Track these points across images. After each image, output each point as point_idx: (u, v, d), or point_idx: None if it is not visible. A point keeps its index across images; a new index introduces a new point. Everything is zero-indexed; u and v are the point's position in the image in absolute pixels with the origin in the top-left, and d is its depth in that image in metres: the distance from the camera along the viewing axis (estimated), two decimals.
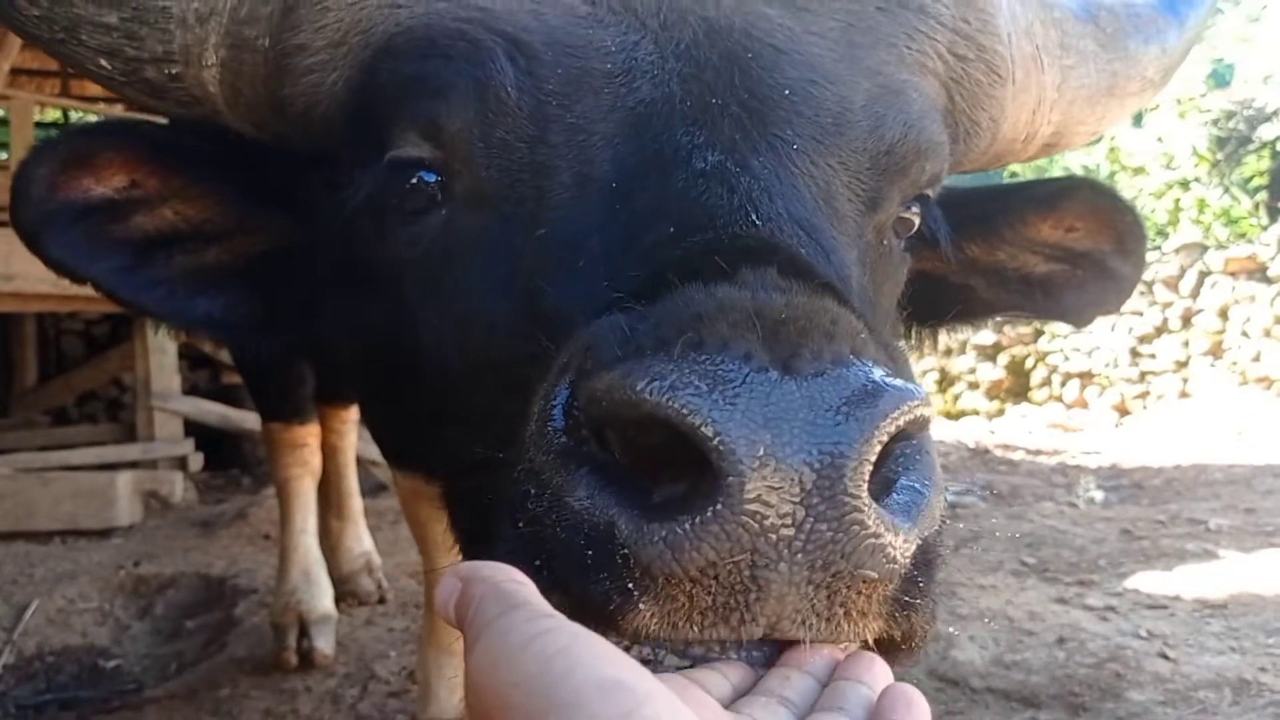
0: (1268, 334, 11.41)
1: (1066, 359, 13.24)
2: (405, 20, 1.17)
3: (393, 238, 1.22)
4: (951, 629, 3.80)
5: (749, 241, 0.94)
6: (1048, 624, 3.91)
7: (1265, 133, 13.44)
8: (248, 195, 1.43)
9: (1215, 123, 13.95)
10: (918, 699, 0.75)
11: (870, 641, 0.83)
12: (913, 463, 0.80)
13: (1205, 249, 12.23)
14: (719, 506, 0.72)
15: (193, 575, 4.94)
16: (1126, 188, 13.90)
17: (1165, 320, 12.33)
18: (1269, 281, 11.53)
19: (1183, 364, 12.16)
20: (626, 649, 0.79)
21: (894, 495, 0.79)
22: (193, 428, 7.90)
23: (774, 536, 0.73)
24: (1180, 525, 5.75)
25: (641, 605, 0.76)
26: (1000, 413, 13.44)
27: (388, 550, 4.81)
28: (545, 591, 0.78)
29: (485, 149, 1.12)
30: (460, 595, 0.74)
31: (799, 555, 0.74)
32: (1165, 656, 3.55)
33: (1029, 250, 1.80)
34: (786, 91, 1.13)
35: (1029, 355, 13.63)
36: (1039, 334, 13.46)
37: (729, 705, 0.76)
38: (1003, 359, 13.78)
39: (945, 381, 14.37)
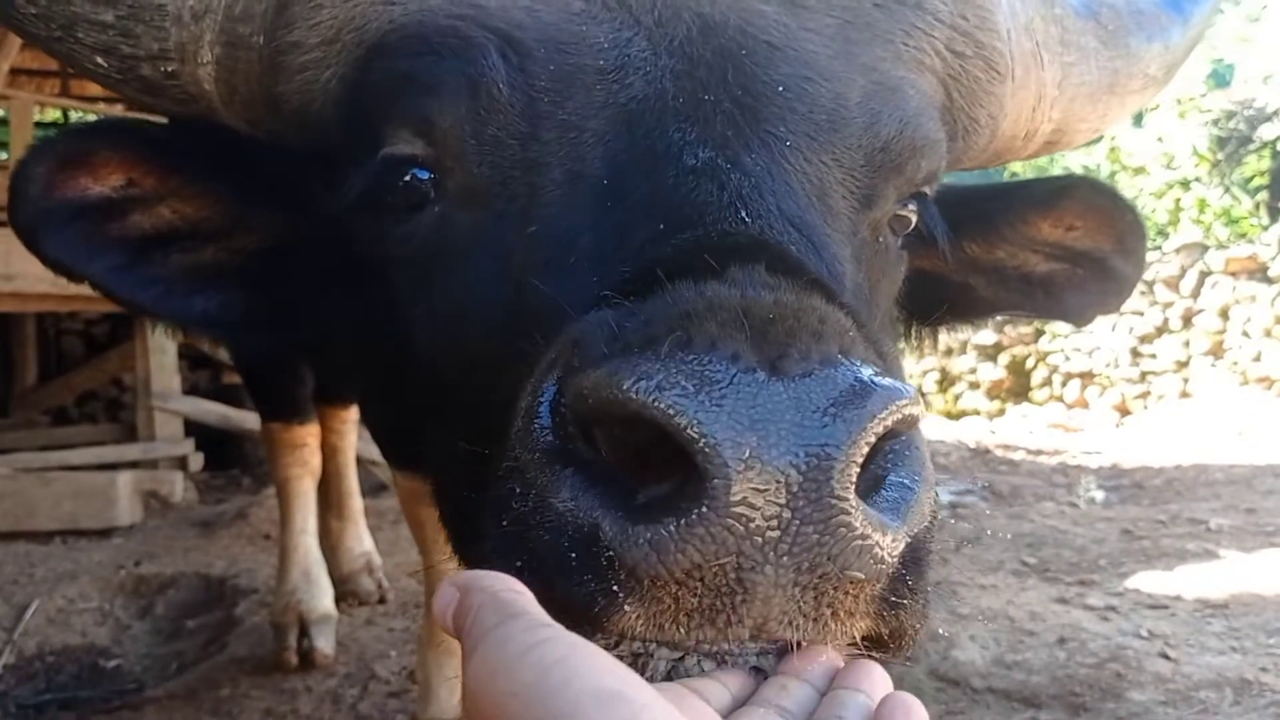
0: (1268, 334, 11.41)
1: (1067, 359, 13.24)
2: (399, 17, 1.17)
3: (386, 235, 1.22)
4: (952, 629, 3.80)
5: (738, 239, 0.94)
6: (1048, 624, 3.91)
7: (1265, 133, 13.44)
8: (244, 194, 1.43)
9: (1215, 123, 13.95)
10: (916, 708, 0.75)
11: (859, 640, 0.82)
12: (902, 459, 0.80)
13: (1206, 249, 12.24)
14: (704, 509, 0.72)
15: (193, 575, 4.94)
16: (1127, 187, 13.90)
17: (1166, 320, 12.34)
18: (1269, 281, 11.53)
19: (1183, 364, 12.17)
20: (616, 644, 0.79)
21: (883, 492, 0.78)
22: (193, 428, 7.90)
23: (759, 539, 0.73)
24: (1181, 525, 5.75)
25: (627, 607, 0.75)
26: (1001, 413, 13.45)
27: (388, 550, 4.81)
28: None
29: (477, 146, 1.12)
30: (458, 604, 0.74)
31: (785, 558, 0.73)
32: (1166, 656, 3.55)
33: (1029, 249, 1.79)
34: (780, 88, 1.13)
35: (1030, 355, 13.64)
36: (1040, 334, 13.46)
37: (728, 715, 0.75)
38: (1003, 359, 13.78)
39: (946, 381, 14.37)
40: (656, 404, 0.72)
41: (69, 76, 10.55)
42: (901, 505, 0.78)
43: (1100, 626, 3.88)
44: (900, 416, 0.75)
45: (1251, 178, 13.51)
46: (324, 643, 3.77)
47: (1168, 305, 12.34)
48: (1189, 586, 4.41)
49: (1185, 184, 14.20)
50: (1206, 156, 13.99)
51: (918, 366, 14.33)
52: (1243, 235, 12.76)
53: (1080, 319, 1.91)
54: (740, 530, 0.72)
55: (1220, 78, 14.87)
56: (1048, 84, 1.49)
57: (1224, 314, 11.86)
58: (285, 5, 1.21)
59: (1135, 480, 7.65)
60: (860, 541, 0.74)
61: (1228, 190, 13.68)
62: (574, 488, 0.78)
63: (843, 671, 0.81)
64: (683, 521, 0.72)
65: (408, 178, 1.17)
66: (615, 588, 0.75)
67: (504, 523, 0.85)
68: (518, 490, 0.83)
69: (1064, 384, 13.26)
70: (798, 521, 0.73)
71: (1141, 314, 12.47)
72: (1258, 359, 11.47)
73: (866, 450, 0.74)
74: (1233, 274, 11.83)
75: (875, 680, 0.79)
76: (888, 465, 0.79)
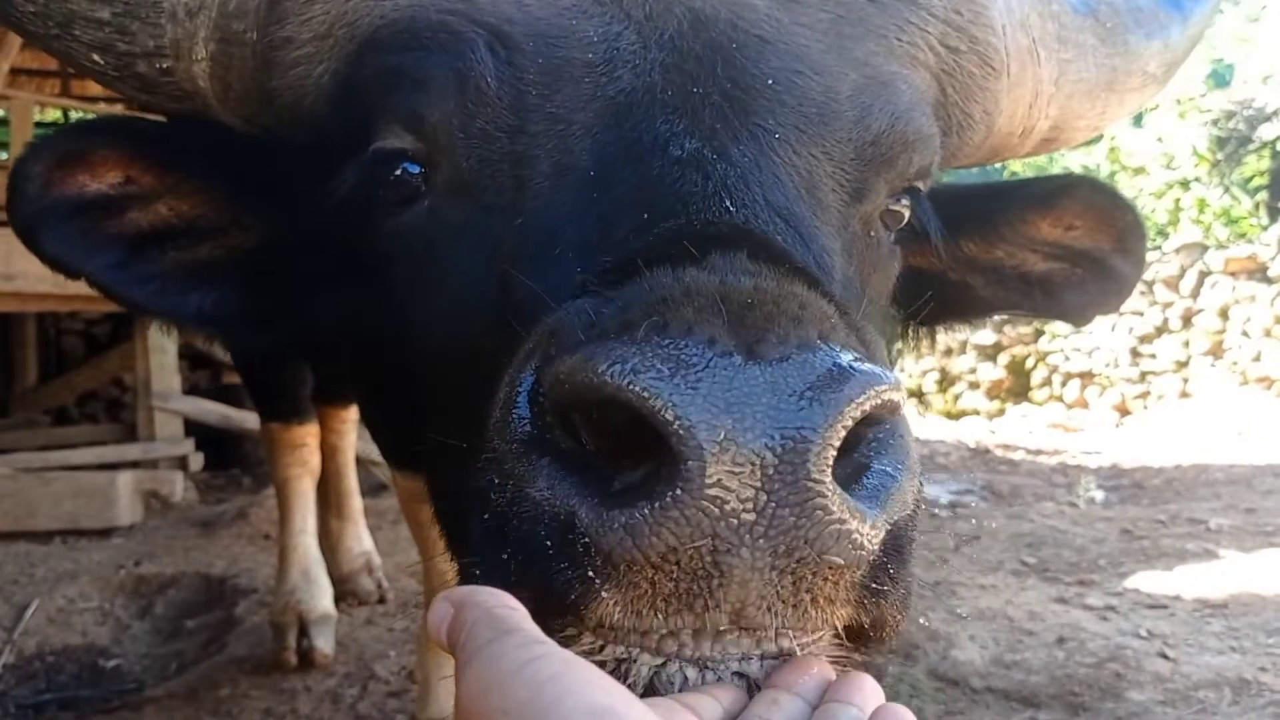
0: (1268, 334, 11.42)
1: (1067, 359, 13.25)
2: (390, 13, 1.18)
3: (378, 230, 1.22)
4: (951, 629, 3.80)
5: (721, 228, 0.94)
6: (1048, 624, 3.91)
7: (1265, 133, 13.44)
8: (241, 191, 1.43)
9: (1215, 123, 13.95)
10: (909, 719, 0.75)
11: (840, 629, 0.82)
12: (885, 447, 0.80)
13: (1205, 249, 12.24)
14: (679, 491, 0.71)
15: (193, 575, 4.95)
16: (1127, 187, 13.91)
17: (1165, 320, 12.34)
18: (1269, 281, 11.54)
19: (1183, 364, 12.17)
20: (601, 648, 0.79)
21: (864, 480, 0.78)
22: (193, 428, 7.90)
23: (735, 521, 0.72)
24: (1180, 525, 5.75)
25: (604, 594, 0.75)
26: (1001, 412, 13.45)
27: (388, 550, 4.81)
28: (512, 585, 0.77)
29: (465, 139, 1.12)
30: (453, 620, 0.74)
31: (761, 540, 0.73)
32: (1165, 656, 3.55)
33: (1028, 249, 1.78)
34: (770, 81, 1.13)
35: (1029, 355, 13.64)
36: (1039, 334, 13.47)
37: None
38: (1003, 359, 13.79)
39: (946, 381, 14.37)
40: (631, 387, 0.71)
41: (69, 76, 10.55)
42: (882, 493, 0.78)
43: (1099, 626, 3.88)
44: (879, 401, 0.75)
45: (1251, 178, 13.52)
46: (323, 642, 3.77)
47: (1167, 305, 12.34)
48: (1188, 586, 4.41)
49: (1185, 184, 14.21)
50: (1206, 156, 13.99)
51: (917, 366, 14.35)
52: (1242, 235, 12.77)
53: (1079, 319, 1.90)
54: (715, 512, 0.72)
55: (1220, 78, 14.88)
56: (1044, 80, 1.48)
57: (1224, 314, 11.86)
58: (278, 1, 1.22)
59: (1135, 480, 7.65)
60: (838, 526, 0.74)
61: (1227, 190, 13.69)
62: (550, 477, 0.78)
63: (835, 684, 0.80)
64: (657, 504, 0.72)
65: (398, 172, 1.17)
66: (592, 574, 0.75)
67: (485, 515, 0.84)
68: (496, 481, 0.83)
69: (1064, 384, 13.26)
70: (774, 504, 0.73)
71: (1141, 314, 12.47)
72: (1257, 359, 11.48)
73: (843, 434, 0.73)
74: (1232, 274, 11.84)
75: (867, 693, 0.79)
76: (870, 453, 0.79)
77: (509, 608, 0.74)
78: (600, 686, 0.63)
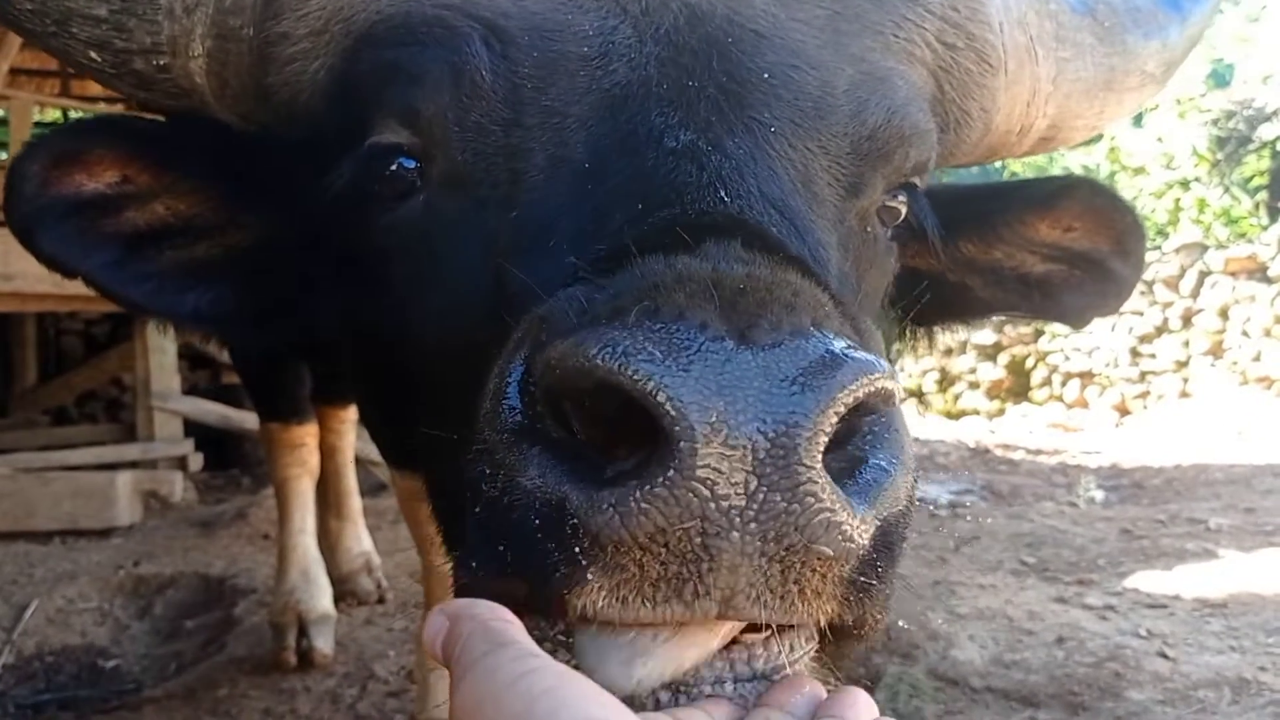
0: (1268, 334, 11.42)
1: (1067, 359, 13.25)
2: (386, 8, 1.18)
3: (374, 225, 1.22)
4: (951, 628, 3.80)
5: (715, 217, 0.94)
6: (1047, 623, 3.91)
7: (1265, 133, 13.45)
8: (238, 190, 1.44)
9: (1215, 123, 13.96)
10: None
11: (824, 625, 0.81)
12: (880, 440, 0.79)
13: (1205, 249, 12.25)
14: (670, 472, 0.71)
15: (192, 575, 4.95)
16: (1126, 188, 13.92)
17: (1165, 320, 12.35)
18: (1269, 281, 11.54)
19: (1183, 364, 12.17)
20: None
21: (858, 473, 0.78)
22: (193, 428, 7.90)
23: (725, 504, 0.72)
24: (1180, 525, 5.75)
25: (590, 576, 0.75)
26: (1000, 412, 13.46)
27: (387, 550, 4.81)
28: (505, 575, 0.77)
29: (460, 133, 1.12)
30: (448, 632, 0.74)
31: (751, 524, 0.73)
32: (1165, 656, 3.54)
33: (1026, 250, 1.78)
34: (766, 75, 1.13)
35: (1029, 355, 13.65)
36: (1039, 334, 13.48)
37: None
38: (1003, 359, 13.79)
39: (945, 381, 14.38)
40: (623, 370, 0.71)
41: (69, 76, 10.55)
42: (874, 487, 0.77)
43: (1099, 626, 3.88)
44: (872, 389, 0.75)
45: (1251, 178, 13.53)
46: (323, 642, 3.77)
47: (1167, 305, 12.35)
48: (1188, 586, 4.40)
49: (1185, 184, 14.22)
50: (1206, 156, 14.00)
51: (917, 366, 14.35)
52: (1242, 235, 12.78)
53: (1078, 320, 1.89)
54: (705, 494, 0.72)
55: (1220, 78, 14.88)
56: (1042, 79, 1.48)
57: (1223, 314, 11.87)
58: None
59: (1135, 480, 7.65)
60: (828, 515, 0.73)
61: (1227, 190, 13.70)
62: (541, 465, 0.78)
63: (826, 701, 0.80)
64: (648, 485, 0.71)
65: (394, 166, 1.17)
66: (579, 554, 0.74)
67: (477, 508, 0.84)
68: (487, 472, 0.82)
69: (1064, 384, 13.27)
70: (764, 489, 0.72)
71: (1141, 314, 12.48)
72: (1257, 359, 11.48)
73: (835, 420, 0.73)
74: (1232, 274, 11.84)
75: (860, 709, 0.79)
76: (864, 446, 0.79)
77: (504, 621, 0.74)
78: (595, 700, 0.63)
